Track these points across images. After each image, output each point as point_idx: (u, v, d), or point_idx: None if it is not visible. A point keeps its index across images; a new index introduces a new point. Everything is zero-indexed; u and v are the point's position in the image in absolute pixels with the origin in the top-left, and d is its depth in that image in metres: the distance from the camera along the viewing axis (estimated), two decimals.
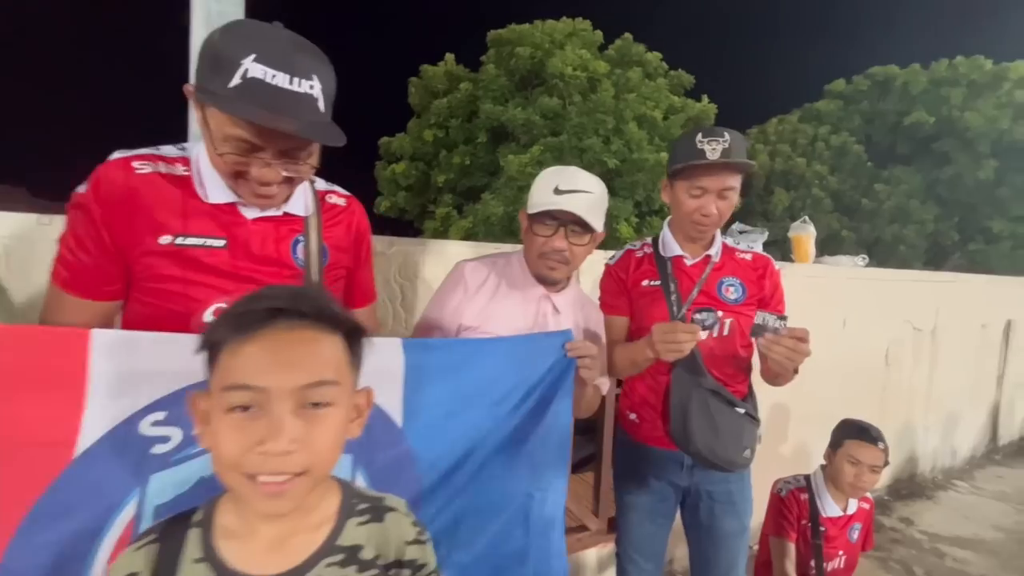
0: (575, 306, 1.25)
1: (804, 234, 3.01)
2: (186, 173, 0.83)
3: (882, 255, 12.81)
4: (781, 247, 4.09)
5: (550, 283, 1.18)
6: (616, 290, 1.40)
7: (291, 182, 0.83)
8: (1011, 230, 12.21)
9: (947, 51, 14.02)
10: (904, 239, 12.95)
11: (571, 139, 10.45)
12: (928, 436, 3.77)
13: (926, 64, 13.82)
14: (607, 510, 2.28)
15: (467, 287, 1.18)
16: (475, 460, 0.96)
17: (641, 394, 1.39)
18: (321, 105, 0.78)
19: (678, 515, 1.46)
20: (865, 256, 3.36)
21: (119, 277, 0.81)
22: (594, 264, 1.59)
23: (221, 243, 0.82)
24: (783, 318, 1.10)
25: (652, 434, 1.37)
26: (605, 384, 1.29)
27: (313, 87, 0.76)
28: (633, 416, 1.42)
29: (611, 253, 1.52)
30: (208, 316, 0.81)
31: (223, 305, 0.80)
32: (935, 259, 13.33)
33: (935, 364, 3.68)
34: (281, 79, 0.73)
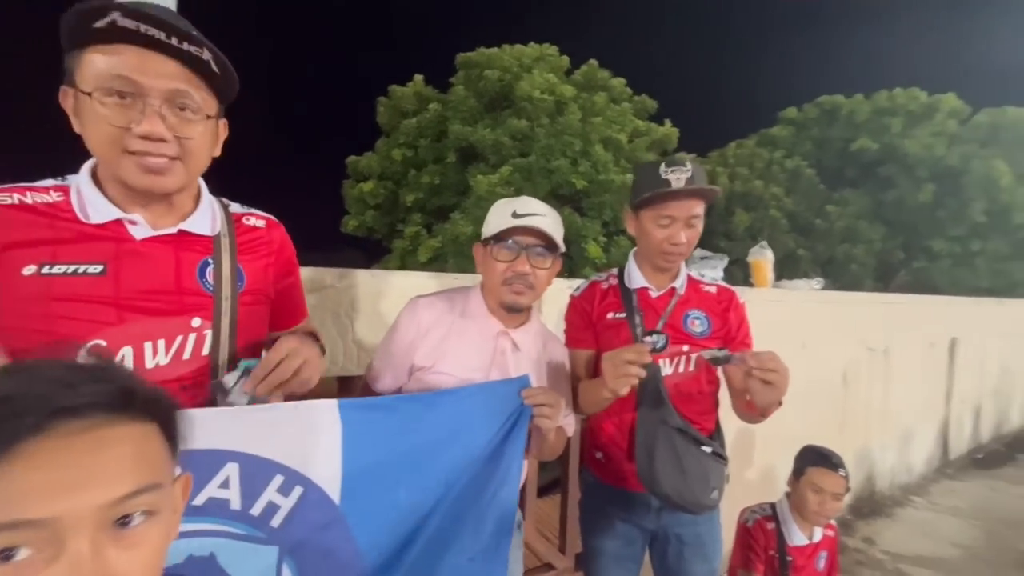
0: (536, 343, 1.20)
1: (763, 259, 3.08)
2: (61, 199, 0.74)
3: (835, 273, 13.45)
4: (743, 266, 4.20)
5: (516, 311, 1.13)
6: (581, 323, 1.36)
7: (185, 156, 0.75)
8: (949, 249, 13.08)
9: (886, 82, 15.08)
10: (855, 258, 13.65)
11: (539, 160, 10.58)
12: (885, 454, 3.88)
13: (868, 94, 14.82)
14: (574, 546, 2.20)
15: (420, 324, 1.11)
16: (421, 530, 0.86)
17: (608, 432, 1.34)
18: (213, 66, 0.72)
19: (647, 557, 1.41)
20: (820, 279, 3.48)
21: None
22: (558, 293, 1.55)
23: (98, 269, 0.73)
24: (723, 348, 1.10)
25: (619, 474, 1.32)
26: (571, 425, 1.24)
27: (200, 45, 0.71)
28: (599, 455, 1.37)
29: (576, 283, 1.48)
30: (83, 356, 0.71)
31: (102, 343, 0.71)
32: (884, 276, 14.10)
33: (889, 383, 3.82)
34: (155, 33, 0.67)
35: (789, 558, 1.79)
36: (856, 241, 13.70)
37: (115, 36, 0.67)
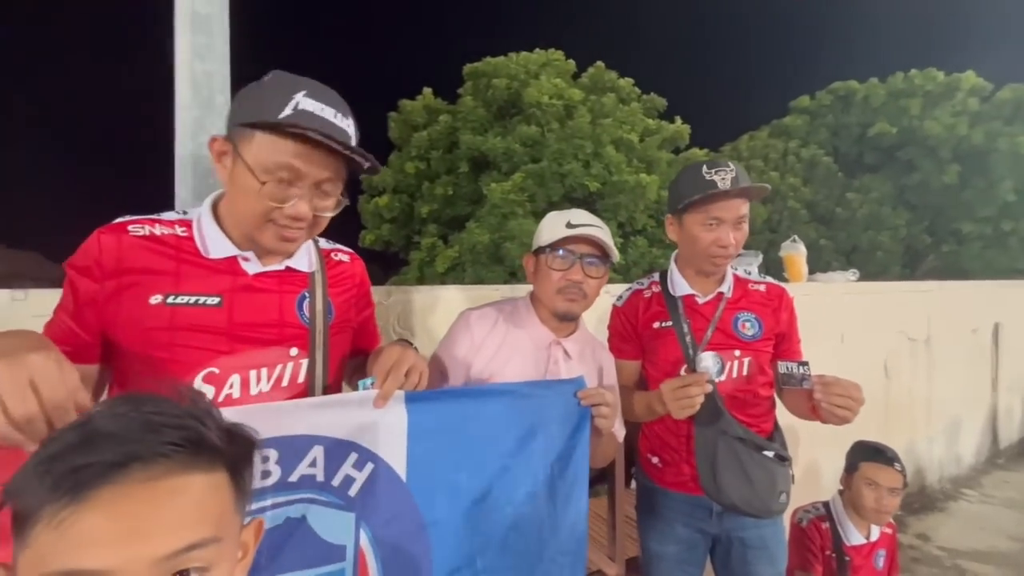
0: (586, 351, 1.21)
1: (796, 253, 3.03)
2: (185, 233, 0.81)
3: (861, 261, 13.09)
4: (765, 260, 4.14)
5: (569, 319, 1.15)
6: (625, 334, 1.36)
7: (314, 226, 0.82)
8: (979, 231, 12.62)
9: (902, 64, 14.70)
10: (880, 245, 13.29)
11: (551, 165, 10.58)
12: (932, 446, 3.75)
13: (883, 77, 14.48)
14: (624, 552, 2.17)
15: (473, 337, 1.13)
16: (487, 514, 0.91)
17: (662, 437, 1.33)
18: (361, 161, 0.80)
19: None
20: (856, 271, 3.40)
21: (92, 346, 0.78)
22: (596, 299, 1.55)
23: (215, 300, 0.79)
24: (804, 364, 1.08)
25: (677, 479, 1.31)
26: (621, 430, 1.24)
27: (350, 126, 0.81)
28: (656, 460, 1.35)
29: (612, 288, 1.48)
30: (199, 382, 0.76)
31: (215, 370, 0.76)
32: (911, 263, 13.68)
33: (932, 372, 3.70)
34: (329, 113, 0.77)
35: (847, 558, 1.75)
36: (880, 228, 13.34)
37: (291, 127, 0.72)
